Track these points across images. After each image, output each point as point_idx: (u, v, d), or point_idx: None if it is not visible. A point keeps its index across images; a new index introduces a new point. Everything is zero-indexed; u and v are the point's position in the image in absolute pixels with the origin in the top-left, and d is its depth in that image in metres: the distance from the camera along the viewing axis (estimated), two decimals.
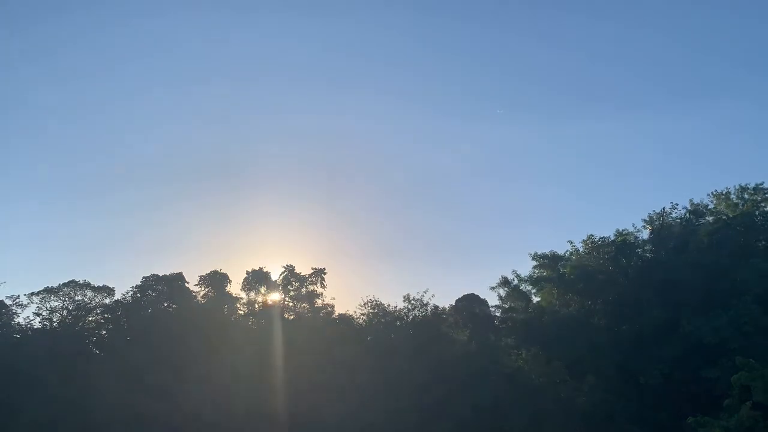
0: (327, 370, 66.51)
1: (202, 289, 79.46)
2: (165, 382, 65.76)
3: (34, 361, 67.45)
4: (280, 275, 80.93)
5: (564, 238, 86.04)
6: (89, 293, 77.04)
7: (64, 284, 76.60)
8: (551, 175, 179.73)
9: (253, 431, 63.71)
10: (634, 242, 63.75)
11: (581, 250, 65.34)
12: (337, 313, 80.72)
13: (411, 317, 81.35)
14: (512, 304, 70.13)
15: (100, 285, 78.14)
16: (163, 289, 77.53)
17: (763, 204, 63.89)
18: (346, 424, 61.94)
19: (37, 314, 75.54)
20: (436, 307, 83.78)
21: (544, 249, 67.43)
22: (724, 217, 63.14)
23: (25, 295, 75.61)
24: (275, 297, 78.73)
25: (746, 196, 64.39)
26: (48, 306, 75.85)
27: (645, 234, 64.54)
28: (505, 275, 70.31)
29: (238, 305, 79.84)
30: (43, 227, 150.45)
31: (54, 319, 75.68)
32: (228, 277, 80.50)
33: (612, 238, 63.80)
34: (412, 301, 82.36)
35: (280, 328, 72.50)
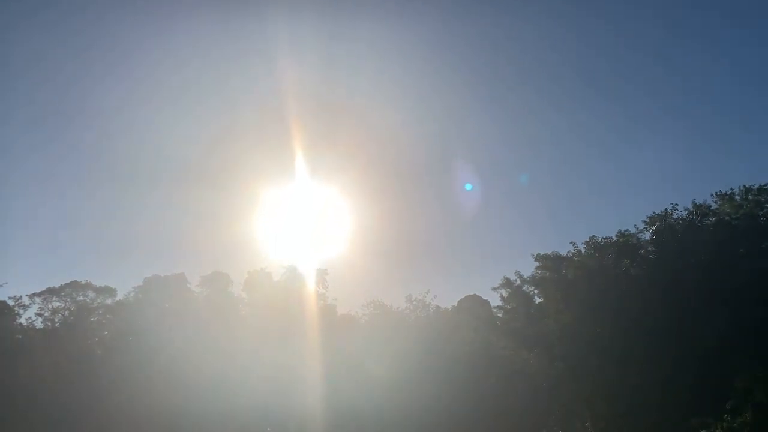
0: (330, 370, 66.58)
1: (204, 289, 79.61)
2: (167, 382, 65.85)
3: (36, 361, 67.67)
4: (282, 275, 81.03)
5: (566, 239, 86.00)
6: (91, 294, 77.43)
7: (66, 285, 76.97)
8: (553, 175, 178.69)
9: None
10: (636, 243, 63.49)
11: (583, 251, 65.08)
12: (339, 314, 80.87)
13: (413, 318, 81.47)
14: (514, 305, 69.95)
15: (102, 285, 78.62)
16: (165, 289, 77.73)
17: (767, 205, 63.50)
18: (350, 423, 62.08)
19: (39, 315, 76.04)
20: (438, 308, 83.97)
21: (547, 250, 67.21)
22: (727, 218, 62.80)
23: (27, 295, 76.10)
24: (277, 297, 78.74)
25: (750, 197, 63.96)
26: (50, 307, 76.22)
27: (647, 235, 64.21)
28: (508, 276, 70.14)
29: (240, 306, 80.00)
30: (44, 227, 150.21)
31: (56, 320, 76.02)
32: (230, 278, 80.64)
33: (614, 238, 63.57)
34: (414, 302, 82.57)
35: (283, 328, 72.51)
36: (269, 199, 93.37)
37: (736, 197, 63.83)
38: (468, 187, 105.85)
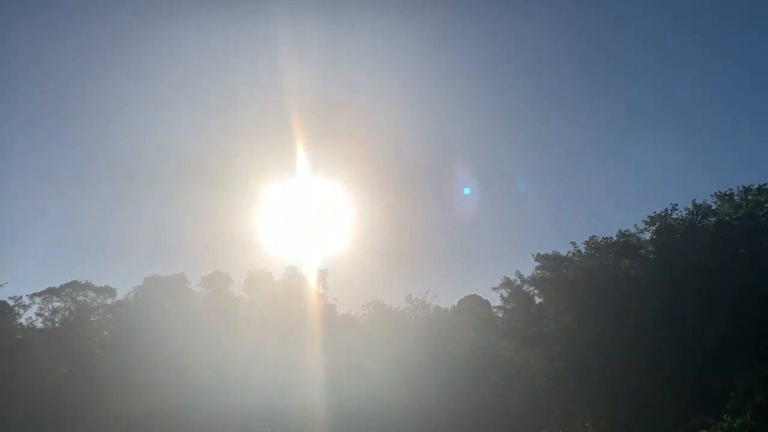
0: (330, 370, 66.69)
1: (204, 289, 79.67)
2: (167, 382, 65.88)
3: (36, 361, 67.69)
4: (283, 275, 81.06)
5: (566, 239, 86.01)
6: (91, 294, 77.49)
7: (66, 285, 77.01)
8: (553, 174, 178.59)
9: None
10: (636, 243, 63.54)
11: (584, 251, 65.12)
12: (339, 314, 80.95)
13: (413, 318, 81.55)
14: (514, 305, 69.97)
15: (102, 285, 78.64)
16: (165, 289, 77.79)
17: (767, 205, 63.52)
18: (350, 422, 62.21)
19: (39, 315, 76.07)
20: (438, 308, 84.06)
21: (547, 250, 67.26)
22: (727, 218, 62.85)
23: (27, 295, 76.13)
24: (277, 297, 78.76)
25: (750, 197, 64.01)
26: (50, 307, 76.27)
27: (647, 235, 64.25)
28: (508, 276, 70.16)
29: (241, 306, 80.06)
30: (44, 227, 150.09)
31: (56, 320, 76.05)
32: (230, 278, 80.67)
33: (614, 238, 63.61)
34: (414, 302, 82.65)
35: (283, 328, 72.56)
36: (269, 198, 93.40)
37: (736, 197, 63.88)
38: (467, 191, 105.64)
